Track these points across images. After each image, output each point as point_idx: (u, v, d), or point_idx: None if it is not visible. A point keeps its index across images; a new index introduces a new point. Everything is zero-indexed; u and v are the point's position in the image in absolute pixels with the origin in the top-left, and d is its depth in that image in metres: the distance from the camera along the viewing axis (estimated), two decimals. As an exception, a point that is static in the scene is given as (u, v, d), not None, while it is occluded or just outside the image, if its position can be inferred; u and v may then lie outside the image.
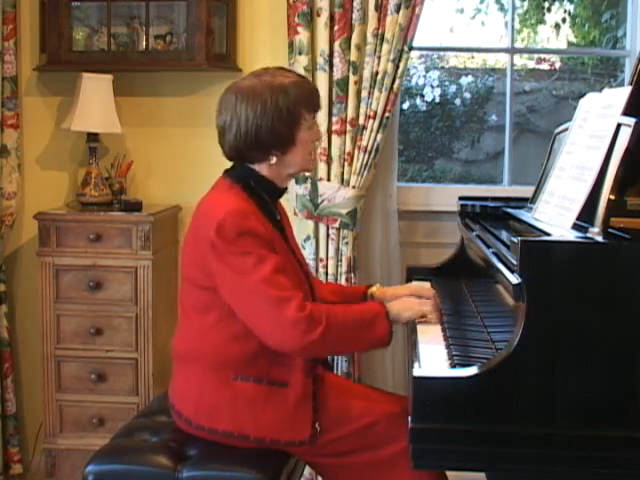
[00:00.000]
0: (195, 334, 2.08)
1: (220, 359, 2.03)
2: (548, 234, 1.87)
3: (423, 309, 2.11)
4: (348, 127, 3.05)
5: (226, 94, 2.11)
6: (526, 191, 2.64)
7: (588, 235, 1.72)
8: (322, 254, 3.13)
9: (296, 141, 2.08)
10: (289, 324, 1.91)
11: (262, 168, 2.11)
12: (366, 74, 3.04)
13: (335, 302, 2.29)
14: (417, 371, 1.71)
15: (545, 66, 4.86)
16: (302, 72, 3.03)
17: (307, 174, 3.05)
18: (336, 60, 3.04)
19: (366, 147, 3.05)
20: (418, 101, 4.69)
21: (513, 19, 3.55)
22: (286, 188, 2.21)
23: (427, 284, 2.54)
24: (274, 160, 2.08)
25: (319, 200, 3.09)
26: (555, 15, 4.55)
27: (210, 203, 2.07)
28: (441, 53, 4.87)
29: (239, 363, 2.03)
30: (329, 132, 3.06)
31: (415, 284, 2.51)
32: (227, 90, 2.12)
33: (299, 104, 2.07)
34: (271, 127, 2.03)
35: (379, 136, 3.05)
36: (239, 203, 2.01)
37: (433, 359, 1.85)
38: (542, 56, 4.87)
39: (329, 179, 3.09)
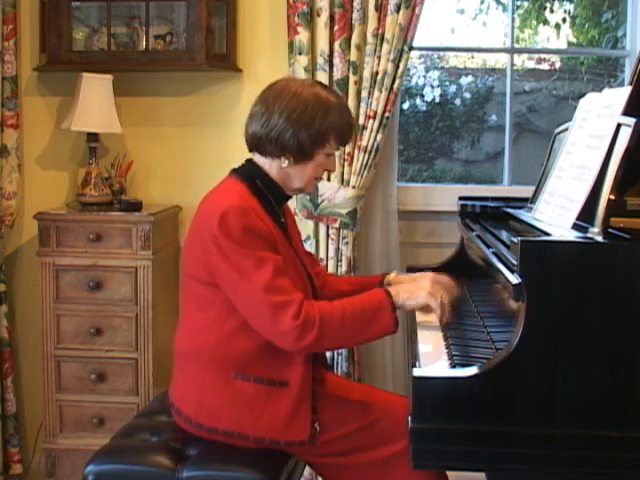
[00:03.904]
0: (196, 332, 2.08)
1: (221, 357, 2.04)
2: (548, 234, 1.87)
3: (428, 301, 2.03)
4: (348, 127, 3.04)
5: (272, 87, 2.12)
6: (526, 191, 2.64)
7: (588, 235, 1.72)
8: (322, 254, 3.13)
9: (312, 159, 2.09)
10: (282, 333, 1.94)
11: (272, 168, 2.11)
12: (366, 74, 3.04)
13: (353, 291, 2.25)
14: (417, 371, 1.71)
15: (545, 66, 4.86)
16: (302, 72, 3.04)
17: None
18: (336, 60, 3.04)
19: (366, 147, 3.05)
20: (418, 101, 4.69)
21: (513, 19, 3.55)
22: (291, 195, 2.20)
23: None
24: (285, 164, 2.09)
25: (319, 200, 3.09)
26: (555, 15, 4.55)
27: (213, 199, 2.07)
28: (441, 53, 4.87)
29: (239, 361, 2.03)
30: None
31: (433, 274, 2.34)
32: (275, 83, 2.12)
33: (332, 129, 2.07)
34: (296, 134, 2.04)
35: (379, 136, 3.05)
36: (242, 199, 2.01)
37: (433, 359, 1.85)
38: (542, 56, 4.87)
39: (329, 179, 3.08)
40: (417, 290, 2.05)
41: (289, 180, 2.12)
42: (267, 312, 1.94)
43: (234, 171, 2.16)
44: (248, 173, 2.12)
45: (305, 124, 2.04)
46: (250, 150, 2.16)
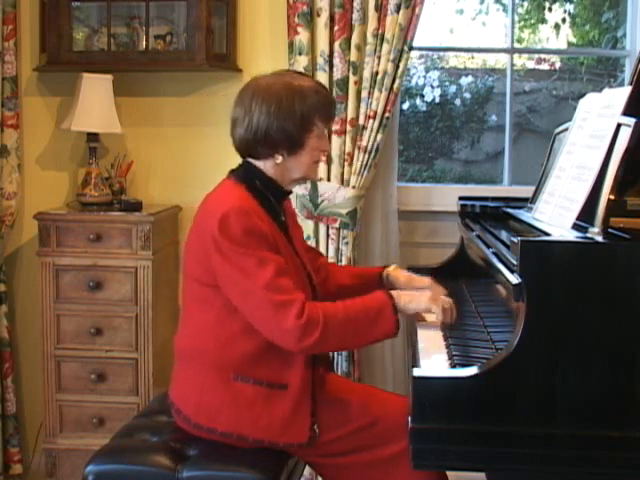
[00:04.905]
0: (196, 332, 2.08)
1: (221, 358, 2.04)
2: (548, 234, 1.87)
3: (431, 306, 2.06)
4: (348, 127, 3.05)
5: (245, 88, 2.12)
6: (526, 191, 2.64)
7: (588, 235, 1.72)
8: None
9: (304, 146, 2.09)
10: (285, 332, 1.93)
11: (267, 167, 2.11)
12: (366, 74, 3.04)
13: (353, 285, 2.30)
14: (417, 371, 1.71)
15: (545, 66, 4.87)
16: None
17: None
18: (336, 60, 3.04)
19: (366, 147, 3.05)
20: (418, 101, 4.69)
21: (513, 19, 3.55)
22: (291, 190, 2.21)
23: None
24: (280, 160, 2.08)
25: (319, 200, 3.09)
26: (555, 15, 4.55)
27: (213, 200, 2.07)
28: (441, 53, 4.87)
29: (240, 363, 2.03)
30: (329, 132, 3.05)
31: (431, 281, 2.38)
32: (247, 84, 2.13)
33: (314, 110, 2.07)
34: (282, 127, 2.04)
35: (379, 136, 3.05)
36: (242, 201, 2.02)
37: (433, 359, 1.85)
38: (542, 56, 4.87)
39: (329, 179, 3.09)
40: (419, 295, 2.08)
41: (288, 173, 2.12)
42: (270, 311, 1.93)
43: (232, 172, 2.16)
44: (245, 174, 2.12)
45: (287, 114, 2.04)
46: (242, 157, 2.15)
